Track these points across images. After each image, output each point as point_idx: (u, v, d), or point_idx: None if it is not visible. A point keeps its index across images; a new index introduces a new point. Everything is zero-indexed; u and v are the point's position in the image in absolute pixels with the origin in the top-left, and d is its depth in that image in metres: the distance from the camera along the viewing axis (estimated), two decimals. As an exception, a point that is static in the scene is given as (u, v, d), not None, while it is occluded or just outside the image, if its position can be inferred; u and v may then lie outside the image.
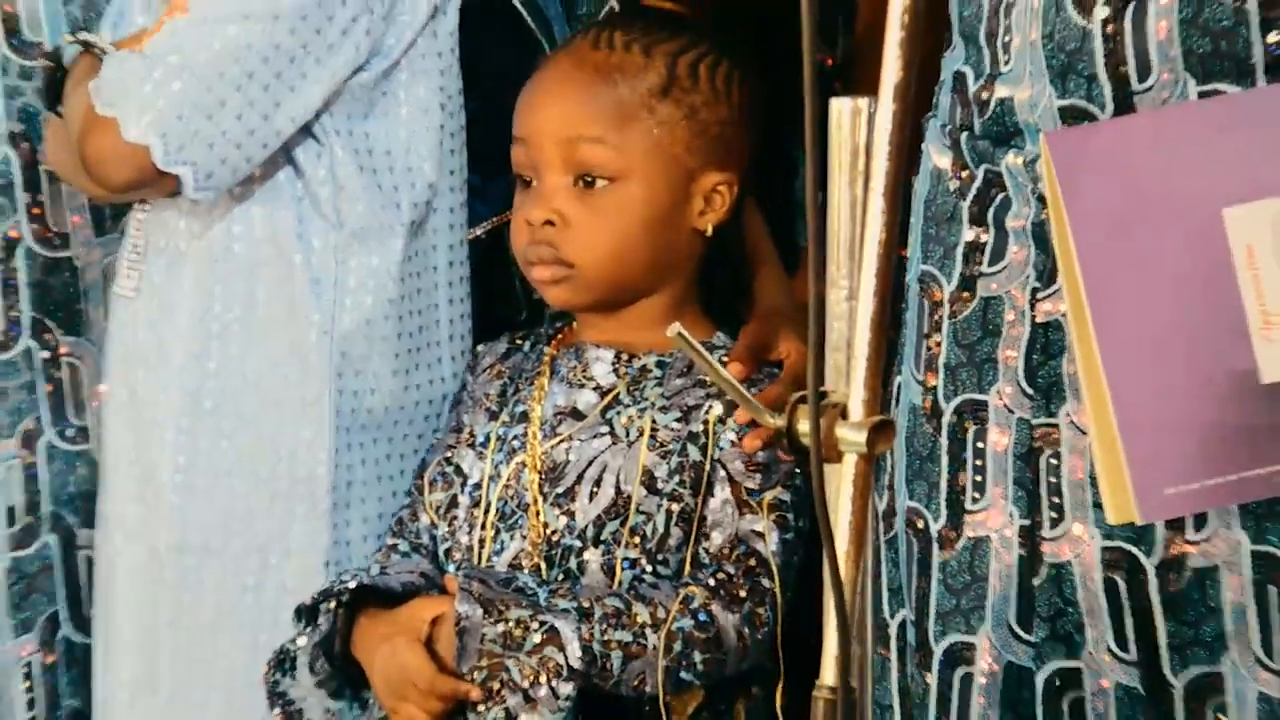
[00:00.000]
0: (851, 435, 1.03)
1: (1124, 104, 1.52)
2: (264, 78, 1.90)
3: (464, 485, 1.92)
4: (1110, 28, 1.52)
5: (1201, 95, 1.50)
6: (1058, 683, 1.58)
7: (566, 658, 1.70)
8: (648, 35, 1.91)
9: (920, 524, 1.66)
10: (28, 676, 2.17)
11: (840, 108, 1.15)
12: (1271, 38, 1.51)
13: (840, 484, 1.08)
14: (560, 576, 1.82)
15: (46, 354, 2.16)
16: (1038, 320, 1.57)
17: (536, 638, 1.71)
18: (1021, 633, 1.59)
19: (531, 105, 1.92)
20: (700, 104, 1.89)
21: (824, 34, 2.19)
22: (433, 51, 2.02)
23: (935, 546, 1.64)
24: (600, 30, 1.96)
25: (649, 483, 1.83)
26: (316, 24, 1.90)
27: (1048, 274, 1.56)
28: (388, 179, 1.99)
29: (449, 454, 1.95)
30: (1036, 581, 1.58)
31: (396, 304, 2.00)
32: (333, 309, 1.97)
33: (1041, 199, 1.56)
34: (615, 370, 1.91)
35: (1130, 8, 1.51)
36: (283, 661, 1.83)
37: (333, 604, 1.82)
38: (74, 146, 1.99)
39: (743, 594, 1.79)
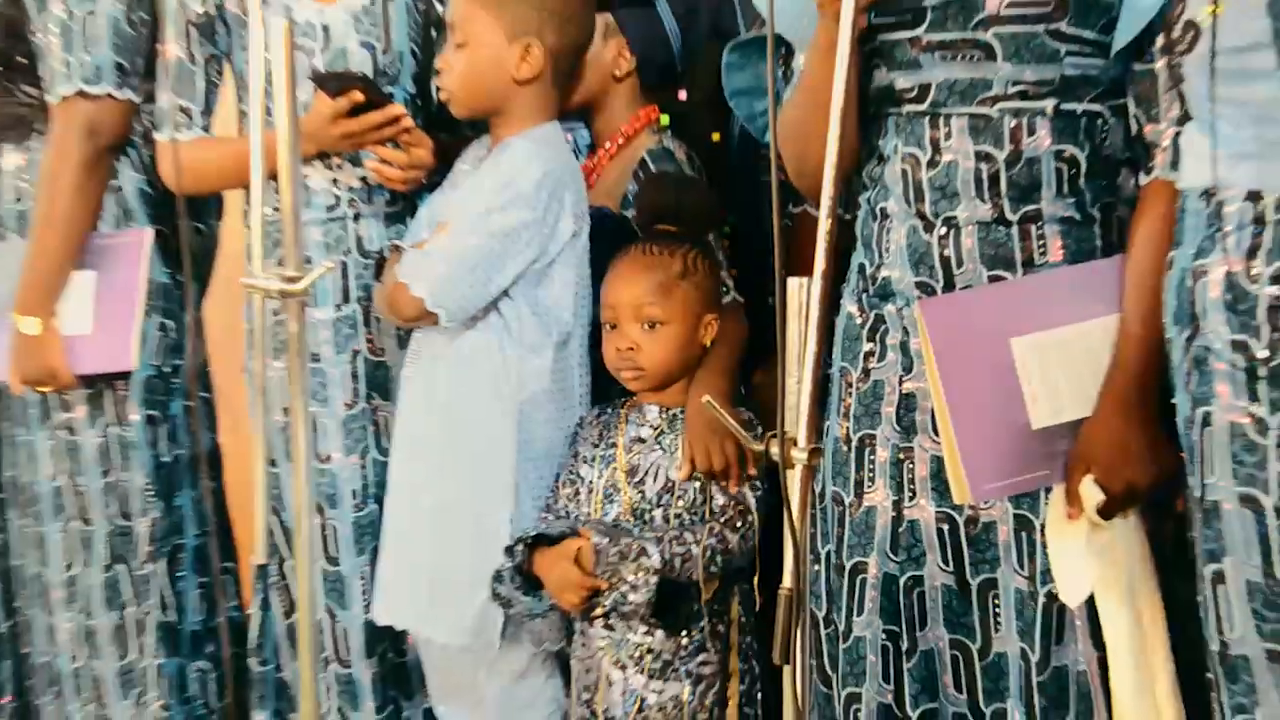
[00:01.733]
0: (799, 455, 1.58)
1: (949, 283, 2.01)
2: (487, 265, 2.45)
3: (583, 481, 2.49)
4: (941, 241, 2.01)
5: (990, 279, 2.00)
6: (910, 583, 2.08)
7: (652, 562, 2.30)
8: (669, 245, 2.43)
9: (839, 499, 2.15)
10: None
11: (794, 283, 1.68)
12: (1021, 252, 1.99)
13: (794, 480, 1.61)
14: (641, 525, 2.41)
15: (372, 409, 2.74)
16: (903, 391, 2.07)
17: (635, 552, 2.31)
18: (892, 556, 2.08)
19: (614, 285, 2.46)
20: (700, 280, 2.44)
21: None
22: (573, 252, 2.53)
23: (847, 512, 2.13)
24: (645, 244, 2.45)
25: None
26: (517, 239, 2.46)
27: (908, 368, 2.06)
28: (546, 319, 2.53)
29: (571, 465, 2.52)
30: (900, 530, 2.08)
31: (549, 387, 2.54)
32: (516, 389, 2.52)
33: (905, 329, 2.05)
34: (661, 415, 2.49)
35: (951, 231, 2.00)
36: (499, 576, 2.42)
37: (520, 545, 2.41)
38: (386, 298, 2.55)
39: (738, 525, 2.37)
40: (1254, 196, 1.72)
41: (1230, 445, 1.74)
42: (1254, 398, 1.72)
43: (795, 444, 1.61)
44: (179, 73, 2.71)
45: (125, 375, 2.84)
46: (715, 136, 2.73)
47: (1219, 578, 1.77)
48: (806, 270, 1.65)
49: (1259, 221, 1.72)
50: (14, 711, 3.20)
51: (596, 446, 2.51)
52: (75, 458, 2.88)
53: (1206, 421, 1.78)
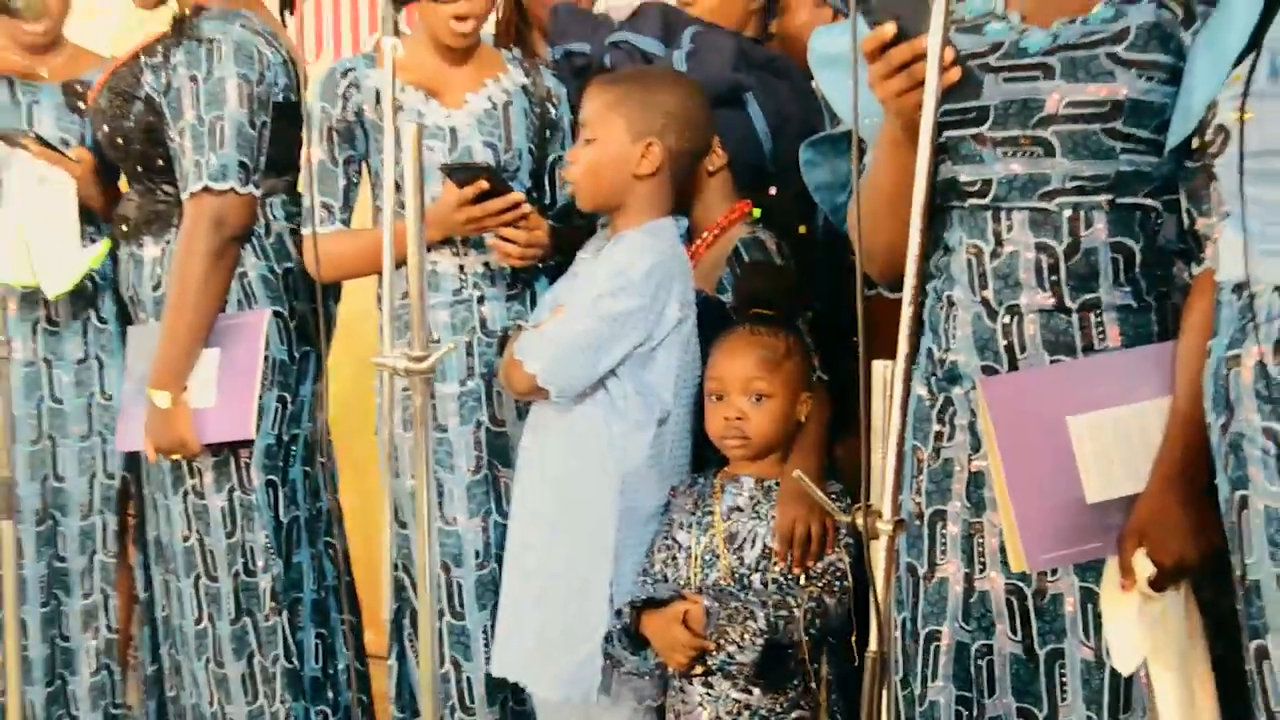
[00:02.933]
0: (884, 527, 1.63)
1: (1013, 368, 2.04)
2: (596, 347, 2.53)
3: (680, 546, 2.55)
4: (1005, 328, 2.04)
5: (1051, 362, 2.01)
6: (981, 651, 2.09)
7: (759, 625, 2.35)
8: (773, 329, 2.52)
9: (914, 570, 2.16)
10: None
11: (879, 366, 1.73)
12: (1081, 338, 2.01)
13: (878, 549, 1.66)
14: (741, 589, 2.46)
15: (494, 475, 2.84)
16: (972, 470, 2.09)
17: (743, 615, 2.36)
18: (964, 625, 2.10)
19: (724, 360, 2.54)
20: (799, 360, 2.53)
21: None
22: (678, 337, 2.59)
23: (921, 582, 2.14)
24: (751, 325, 2.53)
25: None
26: (625, 323, 2.53)
27: (976, 447, 2.08)
28: (649, 398, 2.59)
29: (667, 532, 2.58)
30: (971, 600, 2.09)
31: (650, 461, 2.60)
32: (620, 462, 2.58)
33: (972, 411, 2.07)
34: (756, 486, 2.55)
35: (1014, 318, 2.02)
36: (609, 636, 2.51)
37: (629, 608, 2.49)
38: (504, 373, 2.67)
39: (835, 589, 2.44)
40: None
41: (1266, 528, 1.75)
42: None
43: (880, 516, 1.66)
44: (321, 173, 2.84)
45: (248, 444, 2.95)
46: (802, 229, 2.80)
47: (1263, 653, 1.78)
48: (879, 350, 1.71)
49: None
50: None
51: (693, 514, 2.58)
52: (204, 519, 3.01)
53: (1244, 504, 1.79)
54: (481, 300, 2.84)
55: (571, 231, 2.86)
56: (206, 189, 2.84)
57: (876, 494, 1.69)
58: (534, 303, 2.86)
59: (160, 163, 2.96)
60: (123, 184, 3.23)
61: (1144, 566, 1.92)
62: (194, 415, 2.91)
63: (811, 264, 2.77)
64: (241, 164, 2.87)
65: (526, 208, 2.70)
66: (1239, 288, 1.81)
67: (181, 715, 3.15)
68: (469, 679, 2.82)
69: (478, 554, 2.82)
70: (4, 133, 3.09)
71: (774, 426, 2.53)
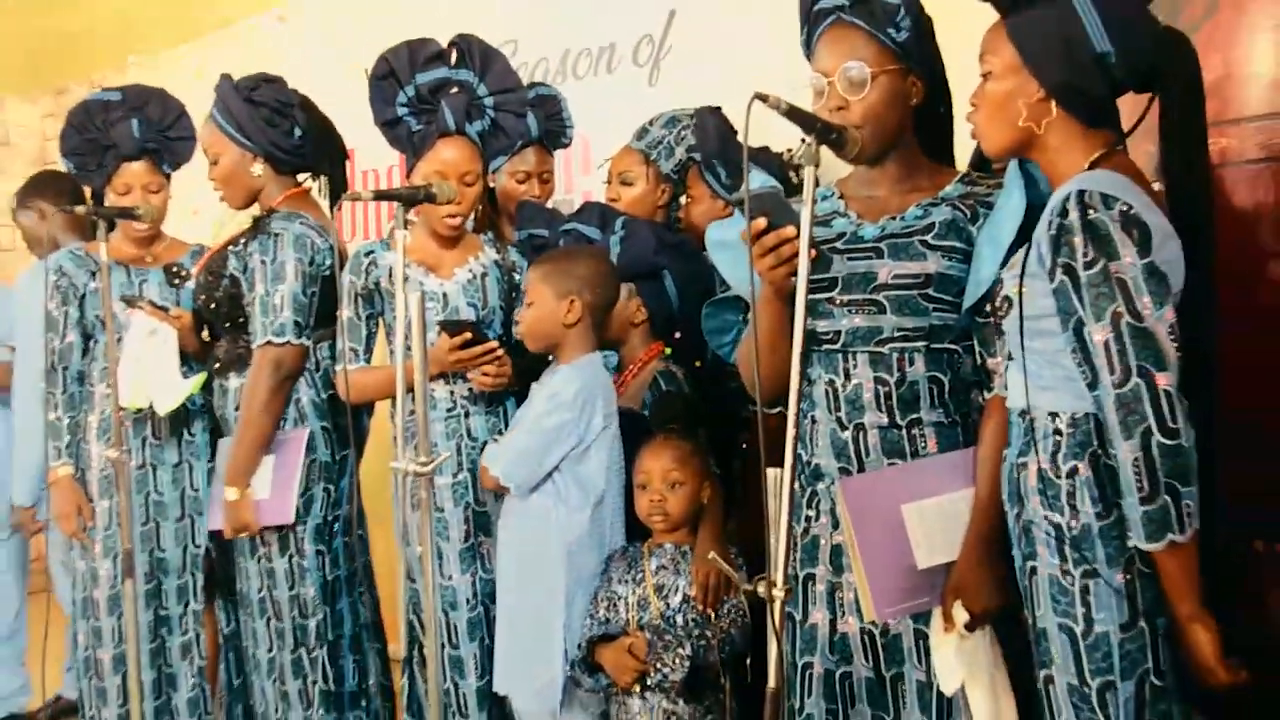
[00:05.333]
0: (778, 593, 1.61)
1: (860, 467, 1.95)
2: (539, 452, 2.42)
3: (619, 596, 2.40)
4: (853, 439, 1.95)
5: (888, 465, 1.93)
6: (843, 676, 2.00)
7: (686, 652, 2.25)
8: (681, 436, 2.43)
9: (791, 616, 2.03)
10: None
11: (772, 473, 1.67)
12: (909, 446, 1.93)
13: (776, 607, 1.63)
14: (669, 626, 2.33)
15: (478, 543, 2.69)
16: (833, 543, 1.99)
17: (674, 645, 2.27)
18: (829, 656, 2.00)
19: (648, 458, 2.42)
20: (701, 458, 2.43)
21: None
22: (605, 439, 2.46)
23: (798, 625, 2.03)
24: (666, 434, 2.43)
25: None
26: (560, 432, 2.41)
27: (835, 526, 1.98)
28: (585, 486, 2.46)
29: (606, 586, 2.42)
30: (835, 638, 1.99)
31: (589, 533, 2.46)
32: (565, 534, 2.43)
33: (832, 500, 1.97)
34: (676, 551, 2.42)
35: (860, 433, 1.94)
36: (573, 664, 2.39)
37: (586, 642, 2.37)
38: (480, 475, 2.53)
39: (739, 624, 2.33)
40: (1053, 415, 1.71)
41: (1049, 589, 1.71)
42: (1063, 558, 1.70)
43: (774, 585, 1.62)
44: (349, 326, 2.74)
45: (302, 523, 2.87)
46: (698, 363, 2.72)
47: (1049, 680, 1.73)
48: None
49: (1058, 433, 1.71)
50: None
51: (628, 572, 2.45)
52: (272, 577, 2.90)
53: (1034, 572, 1.75)
54: (467, 415, 2.70)
55: (530, 363, 2.71)
56: (269, 342, 2.78)
57: (772, 568, 1.65)
58: (507, 417, 2.74)
59: (241, 320, 2.89)
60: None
61: (960, 614, 1.86)
62: (256, 505, 2.83)
63: (703, 387, 2.68)
64: (296, 323, 2.80)
65: (499, 351, 2.60)
66: (1023, 413, 1.76)
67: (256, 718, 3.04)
68: (464, 693, 2.67)
69: (468, 601, 2.67)
70: (127, 297, 3.07)
71: (686, 506, 2.41)
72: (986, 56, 1.78)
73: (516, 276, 2.78)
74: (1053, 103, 1.72)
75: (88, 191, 3.31)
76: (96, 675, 3.19)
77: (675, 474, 2.40)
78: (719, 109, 2.83)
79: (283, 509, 2.80)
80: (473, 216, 2.84)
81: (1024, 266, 1.72)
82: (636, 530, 2.49)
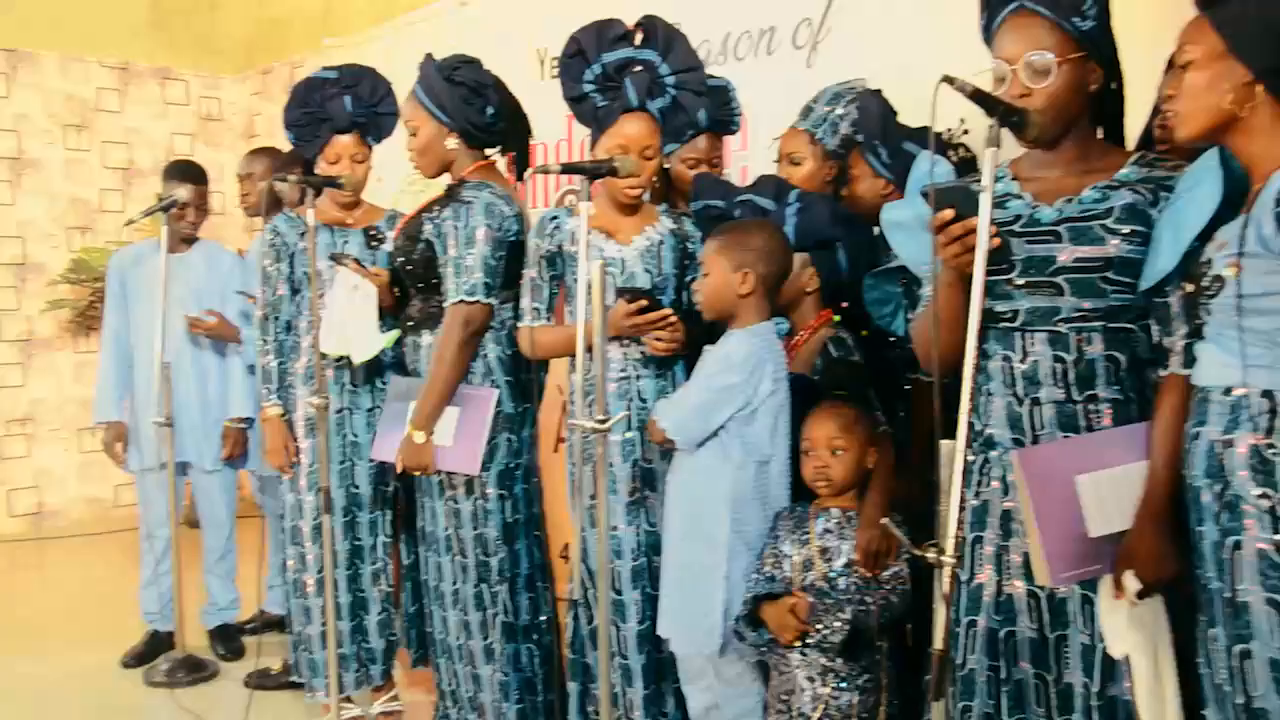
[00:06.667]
0: (948, 559, 1.61)
1: (1034, 439, 1.87)
2: (708, 411, 2.33)
3: (785, 555, 2.31)
4: (1029, 413, 1.88)
5: (1063, 438, 1.85)
6: (1007, 635, 1.91)
7: (846, 616, 2.16)
8: (847, 403, 2.33)
9: (957, 577, 1.93)
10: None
11: (946, 444, 1.69)
12: (1084, 421, 1.84)
13: (944, 575, 1.62)
14: (831, 588, 2.24)
15: (644, 497, 2.61)
16: (1003, 509, 1.92)
17: (835, 608, 2.17)
18: (994, 616, 1.92)
19: (812, 425, 2.33)
20: (866, 424, 2.31)
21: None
22: (773, 404, 2.34)
23: (964, 585, 1.94)
24: (831, 400, 2.34)
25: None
26: (728, 393, 2.32)
27: (1005, 493, 1.91)
28: (750, 446, 2.34)
29: (773, 545, 2.33)
30: (1000, 599, 1.92)
31: (752, 491, 2.35)
32: (730, 489, 2.33)
33: (1004, 468, 1.91)
34: (841, 515, 2.31)
35: (1036, 407, 1.86)
36: (738, 619, 2.29)
37: (750, 599, 2.29)
38: (649, 429, 2.44)
39: (900, 590, 2.23)
40: (1268, 394, 1.62)
41: (1259, 565, 1.60)
42: (1275, 531, 1.59)
43: (943, 551, 1.59)
44: (533, 286, 2.71)
45: (486, 470, 2.84)
46: (864, 332, 2.60)
47: (1246, 655, 1.62)
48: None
49: (1273, 412, 1.60)
50: (416, 662, 3.34)
51: (793, 533, 2.35)
52: (458, 517, 2.89)
53: (1237, 547, 1.63)
54: (639, 377, 2.64)
55: (701, 330, 2.63)
56: (461, 300, 2.77)
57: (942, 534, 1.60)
58: (675, 381, 2.67)
59: (434, 281, 2.88)
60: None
61: (1131, 583, 1.78)
62: (437, 450, 2.82)
63: (869, 355, 2.56)
64: (485, 284, 2.77)
65: (673, 318, 2.53)
66: (1227, 390, 1.66)
67: (432, 642, 3.05)
68: (625, 636, 2.62)
69: (632, 552, 2.61)
70: (335, 255, 3.10)
71: (848, 472, 2.31)
72: (1187, 47, 1.71)
73: (690, 246, 2.70)
74: (1259, 87, 1.65)
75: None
76: (302, 595, 3.27)
77: (838, 440, 2.31)
78: (878, 91, 2.72)
79: (469, 459, 2.79)
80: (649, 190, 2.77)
81: (1240, 246, 1.61)
82: (804, 492, 2.41)
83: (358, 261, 3.06)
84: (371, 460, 3.18)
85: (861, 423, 2.33)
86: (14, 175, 6.17)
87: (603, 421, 2.26)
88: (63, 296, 6.17)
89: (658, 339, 2.55)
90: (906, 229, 2.04)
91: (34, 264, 6.21)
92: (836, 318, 2.59)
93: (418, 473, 2.85)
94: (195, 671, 3.84)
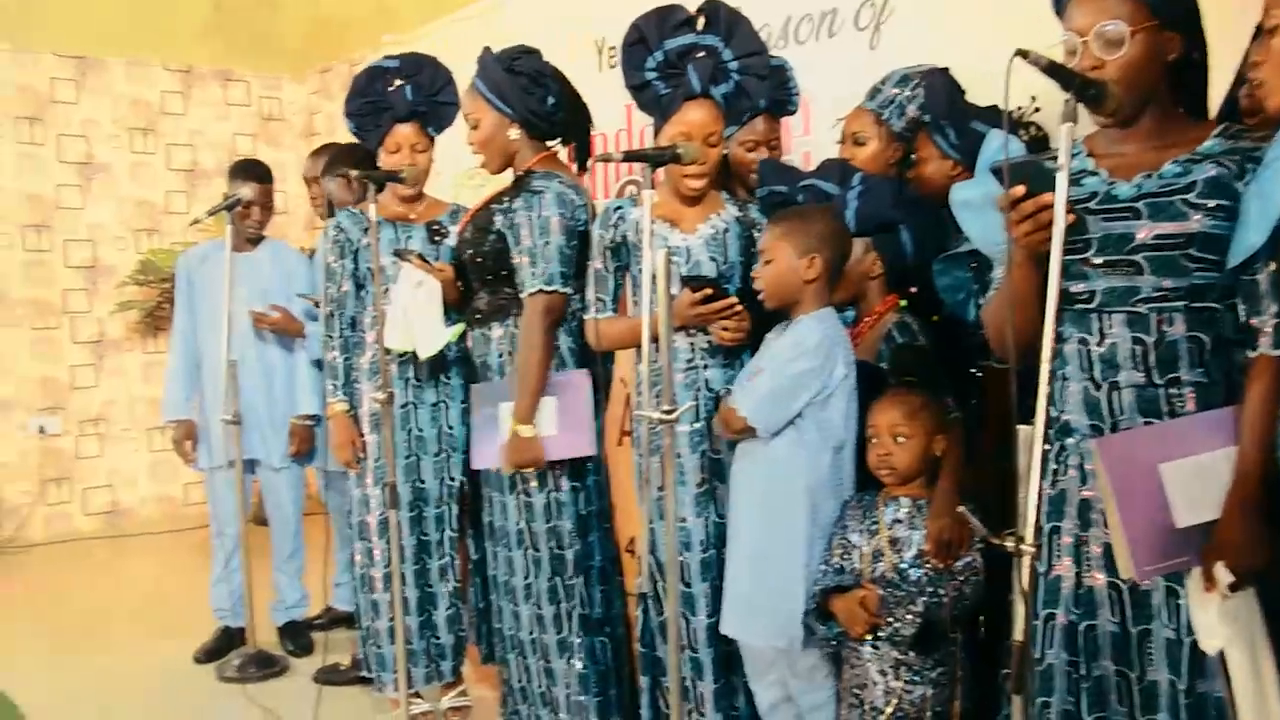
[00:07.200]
0: (1027, 549, 1.57)
1: (1113, 426, 1.82)
2: (787, 396, 2.33)
3: (853, 545, 2.30)
4: (1108, 398, 1.83)
5: (1145, 424, 1.80)
6: (1087, 629, 1.86)
7: (917, 609, 2.14)
8: (912, 390, 2.30)
9: (1034, 569, 1.78)
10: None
11: (1023, 430, 1.65)
12: (1166, 406, 1.79)
13: (1024, 565, 1.59)
14: (901, 579, 2.23)
15: (713, 488, 2.60)
16: (1081, 498, 1.87)
17: (906, 601, 2.16)
18: (1073, 609, 1.86)
19: (876, 413, 2.32)
20: (932, 411, 2.29)
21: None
22: (847, 388, 2.36)
23: (1041, 578, 1.89)
24: (896, 388, 2.31)
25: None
26: (805, 378, 2.33)
27: (1083, 481, 1.85)
28: (827, 432, 2.35)
29: (842, 534, 2.32)
30: (1080, 591, 1.86)
31: (829, 477, 2.37)
32: (808, 475, 2.35)
33: (1081, 455, 1.85)
34: (912, 504, 2.29)
35: (1115, 391, 1.82)
36: (808, 612, 2.30)
37: (819, 592, 2.29)
38: (722, 418, 2.45)
39: (973, 581, 2.20)
40: None
41: None
42: None
43: (1023, 541, 1.55)
44: (598, 278, 2.72)
45: (560, 461, 2.83)
46: (935, 317, 2.57)
47: None
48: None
49: None
50: (486, 658, 3.33)
51: (862, 522, 2.33)
52: (530, 510, 2.89)
53: None
54: (705, 367, 2.62)
55: (766, 318, 2.61)
56: (541, 290, 2.77)
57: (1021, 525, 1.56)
58: (741, 369, 2.62)
59: (504, 273, 2.88)
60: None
61: (1223, 574, 1.71)
62: (543, 441, 2.81)
63: (940, 342, 2.52)
64: (562, 273, 2.79)
65: (738, 307, 2.52)
66: None
67: (501, 638, 3.05)
68: (695, 629, 2.60)
69: (701, 543, 2.59)
70: (399, 251, 3.12)
71: (912, 460, 2.29)
72: (1274, 11, 1.65)
73: (756, 233, 2.67)
74: None
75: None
76: (370, 590, 3.29)
77: (902, 428, 2.28)
78: (946, 70, 2.68)
79: (581, 442, 2.80)
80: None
81: None
82: (871, 480, 2.38)
83: (421, 257, 3.07)
84: (437, 455, 3.22)
85: (927, 409, 2.29)
86: (84, 180, 6.34)
87: (669, 412, 2.26)
88: (131, 298, 6.33)
89: (724, 328, 2.54)
90: (976, 208, 1.99)
91: (104, 267, 6.38)
92: (903, 303, 2.56)
93: (529, 468, 2.83)
94: (266, 667, 3.91)
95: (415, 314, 3.03)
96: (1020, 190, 1.71)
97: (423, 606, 3.26)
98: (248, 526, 3.91)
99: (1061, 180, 1.62)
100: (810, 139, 3.60)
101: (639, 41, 2.57)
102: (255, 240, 4.07)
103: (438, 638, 3.30)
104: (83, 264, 6.31)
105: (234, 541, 3.97)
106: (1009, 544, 1.57)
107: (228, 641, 4.08)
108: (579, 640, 2.86)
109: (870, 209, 2.52)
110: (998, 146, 1.89)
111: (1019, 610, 1.58)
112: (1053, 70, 1.65)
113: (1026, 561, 1.56)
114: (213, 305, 3.88)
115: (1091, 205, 1.85)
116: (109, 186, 6.40)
